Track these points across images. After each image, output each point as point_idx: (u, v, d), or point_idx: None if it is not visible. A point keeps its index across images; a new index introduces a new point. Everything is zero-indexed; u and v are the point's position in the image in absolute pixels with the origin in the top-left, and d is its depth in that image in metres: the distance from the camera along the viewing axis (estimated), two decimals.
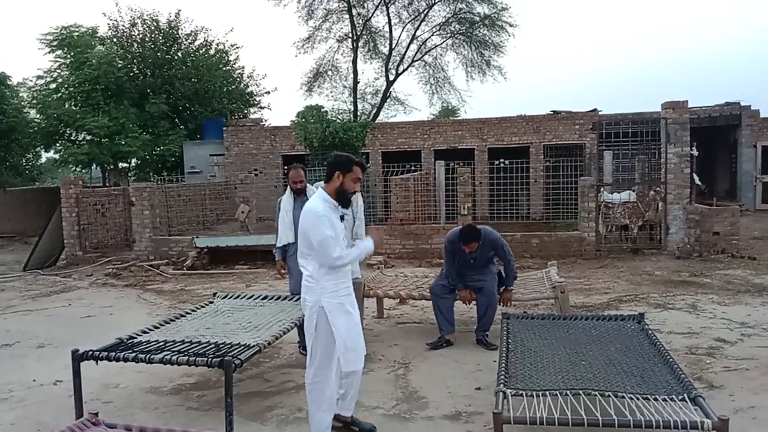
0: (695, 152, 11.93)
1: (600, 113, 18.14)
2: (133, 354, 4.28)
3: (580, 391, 3.52)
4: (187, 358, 4.14)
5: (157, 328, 5.12)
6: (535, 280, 6.85)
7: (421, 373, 5.27)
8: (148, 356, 4.21)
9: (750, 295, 7.77)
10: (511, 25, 22.41)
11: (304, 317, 3.99)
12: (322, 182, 4.09)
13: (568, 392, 3.52)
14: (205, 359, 4.10)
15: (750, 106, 18.30)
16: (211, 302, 6.08)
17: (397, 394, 4.83)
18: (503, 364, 4.06)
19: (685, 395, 3.44)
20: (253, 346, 4.47)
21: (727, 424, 3.07)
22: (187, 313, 5.64)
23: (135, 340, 4.67)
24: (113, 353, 4.31)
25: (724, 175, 19.83)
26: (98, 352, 4.30)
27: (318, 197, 3.92)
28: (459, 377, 5.12)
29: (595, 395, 3.47)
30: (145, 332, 4.93)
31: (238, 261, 11.89)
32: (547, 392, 3.53)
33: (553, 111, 19.68)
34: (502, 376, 3.81)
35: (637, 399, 3.39)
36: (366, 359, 5.68)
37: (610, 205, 11.66)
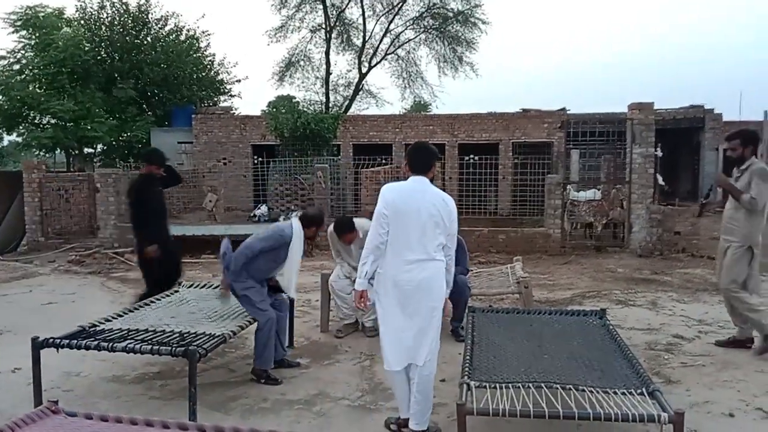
0: (659, 153, 12.18)
1: (568, 112, 18.40)
2: (96, 342, 4.22)
3: (542, 384, 3.58)
4: (150, 346, 4.10)
5: (120, 316, 5.05)
6: (500, 275, 6.94)
7: None
8: (110, 344, 4.16)
9: (708, 294, 7.98)
10: (483, 22, 22.60)
11: (435, 303, 3.78)
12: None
13: (530, 385, 3.58)
14: (169, 348, 4.07)
15: (714, 109, 18.77)
16: (176, 291, 6.02)
17: (362, 385, 4.85)
18: (468, 357, 4.11)
19: (644, 389, 3.53)
20: (218, 335, 4.45)
21: (682, 417, 3.16)
22: (152, 302, 5.57)
23: (98, 328, 4.61)
24: (75, 341, 4.25)
25: (686, 176, 20.31)
26: (59, 340, 4.23)
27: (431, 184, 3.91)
28: None
29: (557, 388, 3.54)
30: (108, 320, 4.87)
31: (205, 250, 11.77)
32: (510, 385, 3.59)
33: (523, 109, 19.89)
34: (467, 369, 3.86)
35: (597, 392, 3.47)
36: (332, 351, 5.73)
37: (575, 203, 11.85)
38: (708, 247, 11.44)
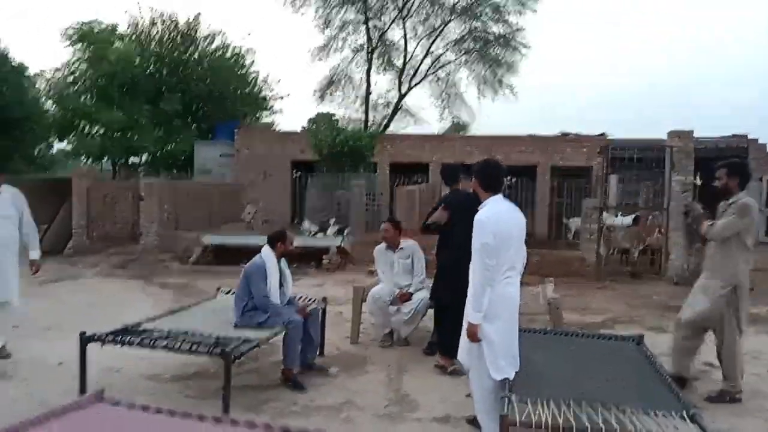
0: (698, 181, 12.04)
1: (608, 137, 18.28)
2: (138, 339, 4.43)
3: (583, 402, 3.55)
4: (189, 346, 4.29)
5: (161, 318, 5.27)
6: (530, 296, 6.96)
7: (415, 378, 5.39)
8: (152, 342, 4.37)
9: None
10: (524, 46, 22.64)
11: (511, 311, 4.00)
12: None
13: (571, 402, 3.56)
14: (207, 348, 4.25)
15: (757, 139, 18.41)
16: (215, 297, 6.23)
17: (389, 396, 4.96)
18: None
19: (684, 412, 3.49)
20: (253, 340, 4.62)
21: None
22: (191, 306, 5.79)
23: (140, 327, 4.82)
24: (119, 337, 4.46)
25: None
26: (105, 335, 4.46)
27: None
28: (452, 383, 5.22)
29: (597, 406, 3.51)
30: (150, 320, 5.09)
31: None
32: (551, 401, 3.58)
33: (563, 133, 19.84)
34: (507, 384, 3.86)
35: (638, 413, 3.45)
36: (362, 362, 5.85)
37: (612, 228, 11.77)
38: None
